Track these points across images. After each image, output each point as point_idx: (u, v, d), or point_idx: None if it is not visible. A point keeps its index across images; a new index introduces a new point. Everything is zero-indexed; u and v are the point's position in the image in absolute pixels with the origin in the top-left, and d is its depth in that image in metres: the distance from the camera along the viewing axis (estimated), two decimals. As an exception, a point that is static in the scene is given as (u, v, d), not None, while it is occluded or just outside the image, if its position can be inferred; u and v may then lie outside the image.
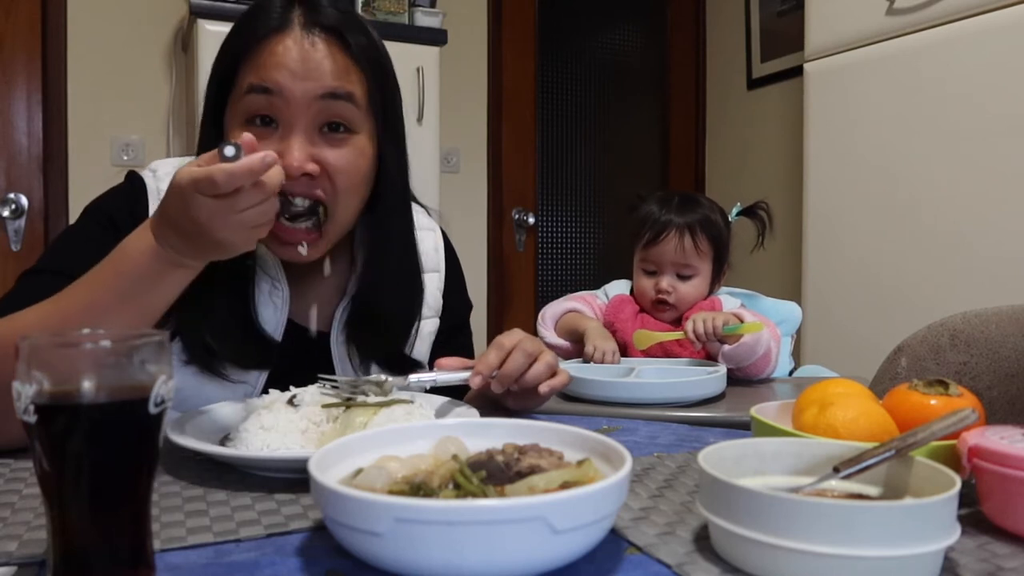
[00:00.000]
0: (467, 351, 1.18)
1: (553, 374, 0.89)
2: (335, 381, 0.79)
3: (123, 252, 0.75)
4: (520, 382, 0.86)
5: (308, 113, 0.86)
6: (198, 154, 0.93)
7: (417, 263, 1.05)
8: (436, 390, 0.87)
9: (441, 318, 1.10)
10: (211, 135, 0.91)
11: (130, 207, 0.92)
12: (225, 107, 0.90)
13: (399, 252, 1.02)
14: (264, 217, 0.72)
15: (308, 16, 0.88)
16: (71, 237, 0.93)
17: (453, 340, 1.13)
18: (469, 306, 1.21)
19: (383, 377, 0.81)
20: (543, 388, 0.88)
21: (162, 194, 0.92)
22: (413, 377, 0.82)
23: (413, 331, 1.04)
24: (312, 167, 0.86)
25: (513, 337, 0.87)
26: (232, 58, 0.89)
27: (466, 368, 0.86)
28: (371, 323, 0.99)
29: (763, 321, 1.28)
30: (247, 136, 0.71)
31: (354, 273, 1.01)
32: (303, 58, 0.86)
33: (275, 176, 0.71)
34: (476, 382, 0.83)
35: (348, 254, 1.03)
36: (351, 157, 0.89)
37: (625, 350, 1.36)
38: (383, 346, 1.01)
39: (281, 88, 0.85)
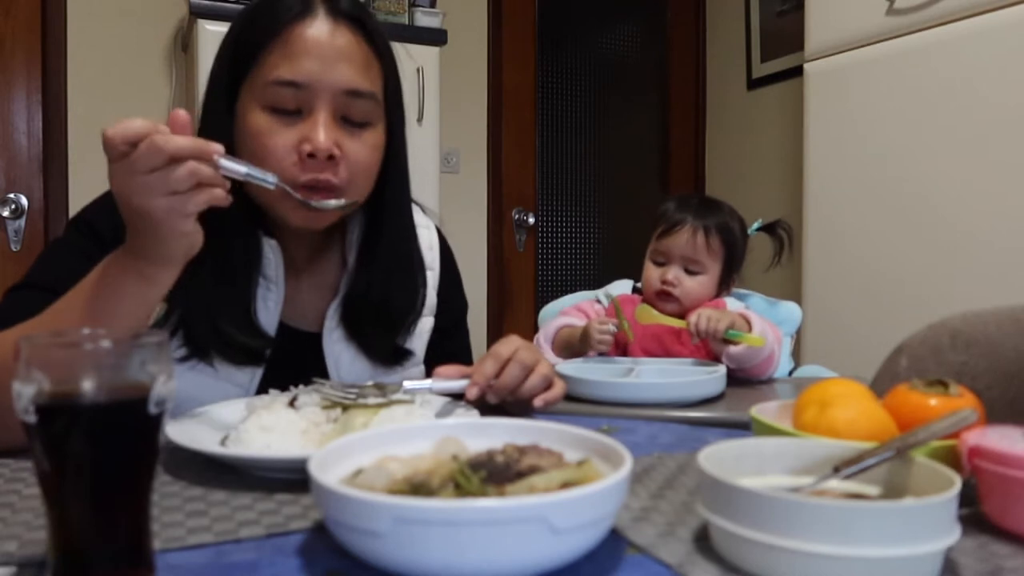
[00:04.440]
0: (464, 351, 1.18)
1: (549, 386, 0.89)
2: (332, 385, 0.79)
3: (98, 266, 0.74)
4: (515, 394, 0.86)
5: (332, 104, 0.88)
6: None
7: (419, 254, 1.06)
8: None
9: (436, 317, 1.10)
10: (223, 117, 0.91)
11: (113, 219, 0.90)
12: (238, 87, 0.90)
13: (402, 242, 1.02)
14: (178, 185, 0.66)
15: (330, 3, 0.89)
16: (56, 251, 0.93)
17: (449, 340, 1.13)
18: (465, 305, 1.20)
19: (382, 383, 0.81)
20: (537, 402, 0.88)
21: None
22: (408, 384, 0.82)
23: (412, 325, 1.04)
24: (336, 151, 0.87)
25: (510, 346, 0.86)
26: (252, 41, 0.89)
27: (463, 376, 0.86)
28: (369, 315, 0.99)
29: (766, 323, 1.28)
30: (181, 113, 0.68)
31: (346, 273, 1.01)
32: (331, 45, 0.87)
33: (177, 144, 0.65)
34: (472, 393, 0.83)
35: (339, 254, 1.03)
36: (368, 147, 0.91)
37: (626, 350, 1.36)
38: (380, 338, 1.01)
39: (310, 82, 0.87)
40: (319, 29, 0.87)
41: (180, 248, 0.72)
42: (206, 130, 0.92)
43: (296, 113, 0.88)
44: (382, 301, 1.00)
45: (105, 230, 0.90)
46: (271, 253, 0.95)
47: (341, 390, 0.78)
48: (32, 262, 0.93)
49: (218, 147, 0.68)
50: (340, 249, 1.03)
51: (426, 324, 1.08)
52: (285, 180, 0.87)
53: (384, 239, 1.00)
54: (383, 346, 1.02)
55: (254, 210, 0.94)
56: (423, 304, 1.05)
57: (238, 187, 0.90)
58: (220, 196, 0.69)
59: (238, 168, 0.70)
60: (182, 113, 0.69)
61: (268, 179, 0.73)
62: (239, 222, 0.91)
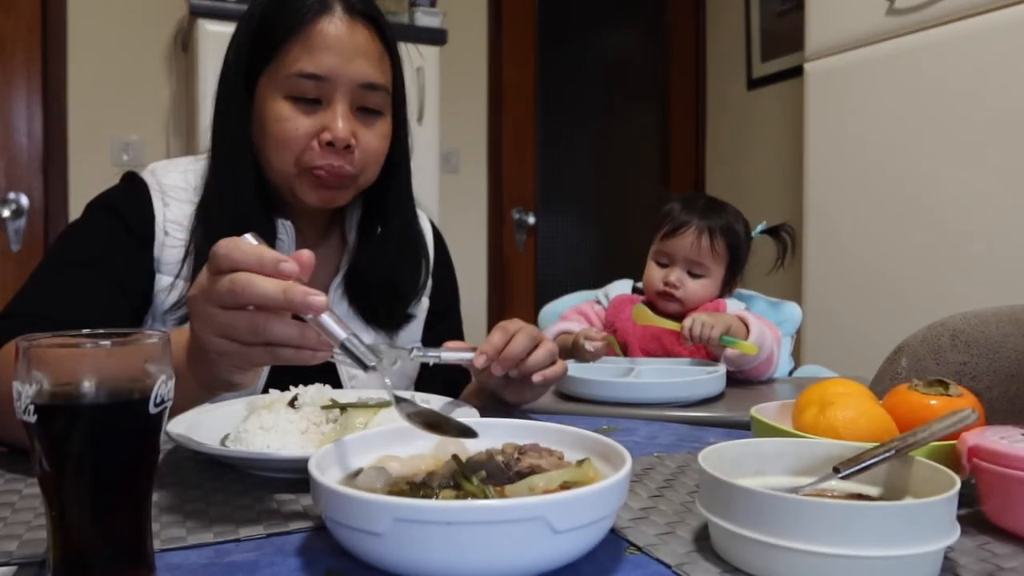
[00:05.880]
0: (458, 334, 1.23)
1: (552, 362, 0.90)
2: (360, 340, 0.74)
3: None
4: (521, 367, 0.87)
5: (350, 96, 0.93)
6: (213, 128, 0.97)
7: (423, 236, 1.11)
8: (435, 390, 0.88)
9: (431, 300, 1.14)
10: (242, 102, 0.94)
11: (134, 202, 0.96)
12: (256, 77, 0.94)
13: (408, 223, 1.07)
14: (236, 334, 0.57)
15: (346, 1, 0.94)
16: (77, 230, 0.96)
17: (441, 323, 1.16)
18: (457, 290, 1.24)
19: (393, 345, 0.82)
20: (537, 377, 0.88)
21: (164, 192, 0.95)
22: (417, 352, 0.83)
23: (416, 299, 1.08)
24: (353, 140, 0.92)
25: (516, 323, 0.89)
26: (273, 36, 0.92)
27: (470, 349, 0.86)
28: (376, 291, 1.04)
29: (765, 323, 1.28)
30: (306, 253, 0.58)
31: (346, 251, 1.05)
32: (350, 41, 0.92)
33: (257, 293, 0.55)
34: (480, 361, 0.84)
35: (340, 235, 1.07)
36: (379, 136, 0.96)
37: (626, 350, 1.35)
38: (384, 311, 1.05)
39: (331, 75, 0.91)
40: (338, 26, 0.92)
41: (219, 389, 0.65)
42: (224, 114, 0.96)
43: (316, 102, 0.92)
44: (390, 278, 1.04)
45: (130, 214, 0.94)
46: (284, 235, 0.98)
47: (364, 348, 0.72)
48: (32, 262, 0.94)
49: (320, 302, 0.55)
50: (340, 230, 1.07)
51: (424, 304, 1.12)
52: (301, 164, 0.92)
53: (392, 221, 1.04)
54: (386, 316, 1.06)
55: (268, 192, 0.97)
56: (426, 281, 1.10)
57: (250, 168, 0.95)
58: (287, 357, 0.58)
59: (338, 333, 0.57)
60: (306, 255, 0.57)
61: (368, 361, 0.58)
62: (255, 203, 0.95)
